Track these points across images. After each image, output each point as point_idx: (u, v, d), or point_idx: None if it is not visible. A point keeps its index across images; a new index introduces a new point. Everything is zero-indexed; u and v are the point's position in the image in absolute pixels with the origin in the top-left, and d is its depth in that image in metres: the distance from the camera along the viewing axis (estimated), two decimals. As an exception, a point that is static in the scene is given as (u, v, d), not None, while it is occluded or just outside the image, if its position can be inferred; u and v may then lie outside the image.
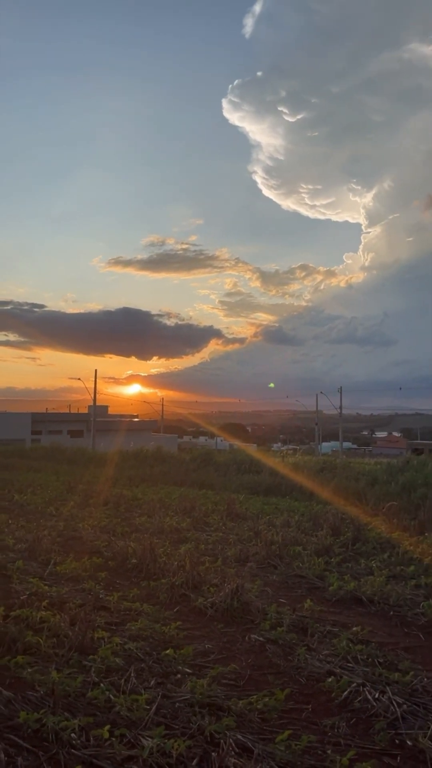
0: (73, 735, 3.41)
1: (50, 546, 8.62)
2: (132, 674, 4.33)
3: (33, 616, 5.41)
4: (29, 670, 4.31)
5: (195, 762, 3.24)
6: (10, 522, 10.97)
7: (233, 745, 3.39)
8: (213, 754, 3.29)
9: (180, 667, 4.60)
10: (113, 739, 3.39)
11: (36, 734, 3.46)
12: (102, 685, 4.12)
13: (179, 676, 4.45)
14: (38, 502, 14.06)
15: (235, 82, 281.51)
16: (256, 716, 3.83)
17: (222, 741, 3.42)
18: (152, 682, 4.27)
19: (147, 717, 3.68)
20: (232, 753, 3.31)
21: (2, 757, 3.18)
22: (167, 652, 4.82)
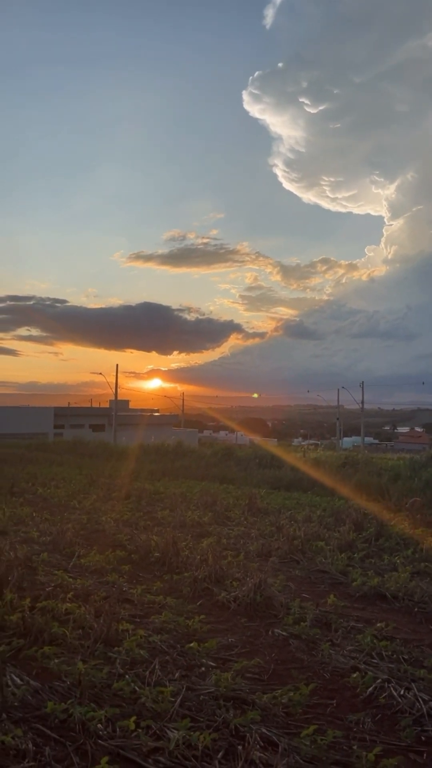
0: (99, 726, 3.45)
1: (74, 539, 8.71)
2: (157, 666, 4.36)
3: (58, 607, 5.48)
4: (56, 660, 4.37)
5: (221, 755, 3.26)
6: (34, 515, 11.11)
7: (258, 738, 3.40)
8: (238, 747, 3.30)
9: (204, 660, 4.62)
10: (139, 730, 3.42)
11: (63, 724, 3.50)
12: (127, 676, 4.16)
13: (203, 669, 4.47)
14: (61, 495, 14.22)
15: (256, 73, 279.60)
16: (280, 710, 3.83)
17: (247, 734, 3.43)
18: (177, 675, 4.29)
19: (172, 709, 3.71)
20: (258, 747, 3.31)
21: (30, 746, 3.22)
22: (191, 645, 4.84)
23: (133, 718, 3.49)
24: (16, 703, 3.71)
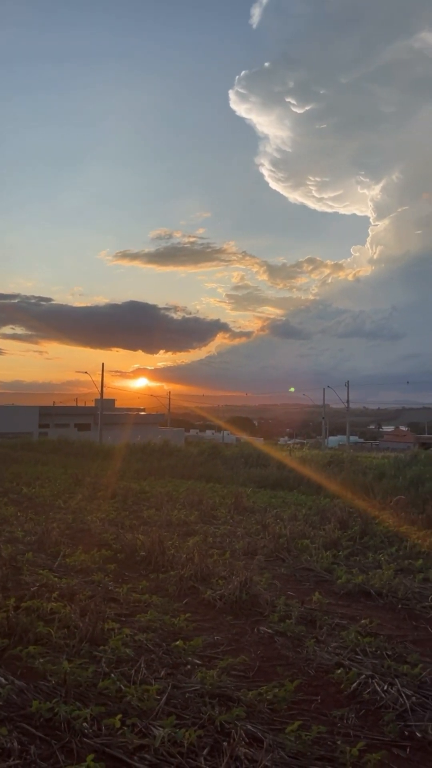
0: (85, 724, 3.45)
1: (59, 538, 8.68)
2: (142, 665, 4.37)
3: (43, 607, 5.46)
4: (41, 660, 4.35)
5: (206, 751, 3.27)
6: (19, 514, 11.04)
7: (243, 735, 3.42)
8: (224, 743, 3.32)
9: (190, 658, 4.63)
10: (125, 728, 3.42)
11: (48, 723, 3.49)
12: (113, 675, 4.16)
13: (189, 667, 4.48)
14: (46, 494, 14.15)
15: (242, 73, 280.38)
16: (265, 707, 3.86)
17: (232, 731, 3.45)
18: (162, 673, 4.30)
19: (158, 707, 3.72)
20: (243, 743, 3.33)
21: (15, 745, 3.21)
22: (177, 643, 4.85)
23: (119, 716, 3.50)
24: (1, 703, 3.70)
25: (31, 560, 7.42)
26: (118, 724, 3.43)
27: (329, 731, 3.61)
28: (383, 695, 4.09)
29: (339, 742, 3.46)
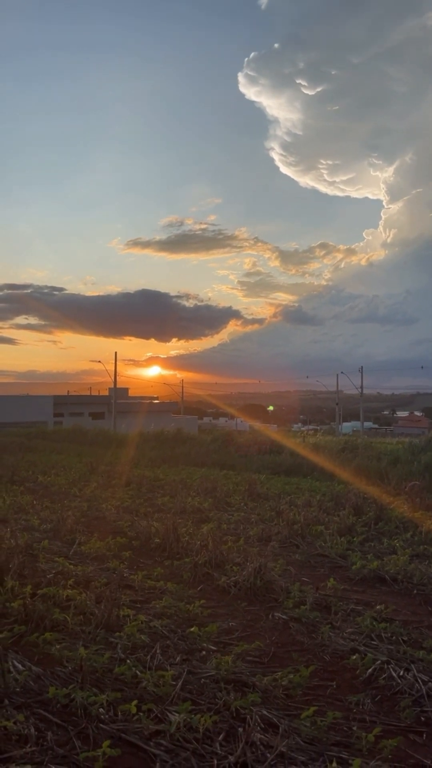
0: (101, 710, 3.47)
1: (74, 526, 8.73)
2: (158, 651, 4.39)
3: (60, 594, 5.51)
4: (57, 646, 4.39)
5: (221, 737, 3.28)
6: (35, 503, 11.14)
7: (259, 720, 3.43)
8: (239, 729, 3.33)
9: (205, 644, 4.65)
10: (141, 713, 3.44)
11: (65, 709, 3.52)
12: (128, 661, 4.18)
13: (204, 653, 4.50)
14: (62, 483, 14.26)
15: (251, 55, 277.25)
16: (281, 692, 3.86)
17: (248, 716, 3.45)
18: (178, 659, 4.32)
19: (173, 692, 3.73)
20: (258, 728, 3.34)
21: (32, 731, 3.24)
22: (192, 629, 4.87)
23: (135, 702, 3.51)
24: (18, 689, 3.74)
25: (47, 548, 7.49)
26: (134, 710, 3.45)
27: (345, 717, 3.61)
28: (399, 681, 4.08)
29: (355, 728, 3.45)
